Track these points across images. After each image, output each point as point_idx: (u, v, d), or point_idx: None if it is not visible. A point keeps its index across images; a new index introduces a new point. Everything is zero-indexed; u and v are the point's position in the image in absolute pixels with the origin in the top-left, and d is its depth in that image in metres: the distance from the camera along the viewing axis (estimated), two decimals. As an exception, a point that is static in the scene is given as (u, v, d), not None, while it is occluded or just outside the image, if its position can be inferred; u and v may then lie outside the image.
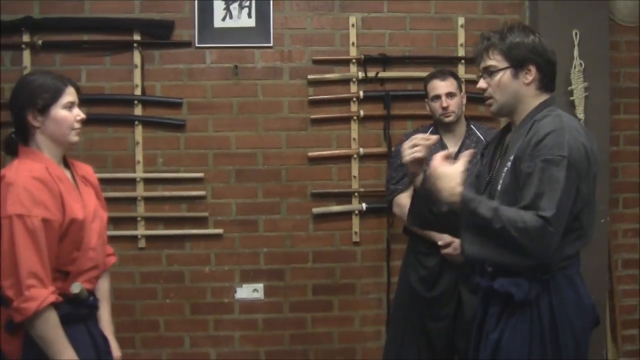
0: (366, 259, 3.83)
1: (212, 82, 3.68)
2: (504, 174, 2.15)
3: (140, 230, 3.68)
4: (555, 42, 3.64)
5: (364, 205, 3.76)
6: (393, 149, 3.52)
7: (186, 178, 3.69)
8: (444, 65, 3.69)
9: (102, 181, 3.49)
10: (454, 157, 3.23)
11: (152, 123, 3.67)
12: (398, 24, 3.78)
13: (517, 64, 2.19)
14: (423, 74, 3.61)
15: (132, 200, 3.66)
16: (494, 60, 2.21)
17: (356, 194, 3.78)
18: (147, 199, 3.68)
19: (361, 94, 3.72)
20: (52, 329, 2.04)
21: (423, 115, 3.70)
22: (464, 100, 3.33)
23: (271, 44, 3.69)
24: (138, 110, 3.65)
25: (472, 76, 3.74)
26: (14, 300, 2.01)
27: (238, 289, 3.76)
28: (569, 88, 3.68)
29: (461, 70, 3.78)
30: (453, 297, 3.19)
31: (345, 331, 3.85)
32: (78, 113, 2.27)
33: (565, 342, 2.08)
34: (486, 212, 1.99)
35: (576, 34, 3.68)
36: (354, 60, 3.72)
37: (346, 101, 3.76)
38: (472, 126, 3.35)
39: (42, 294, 2.01)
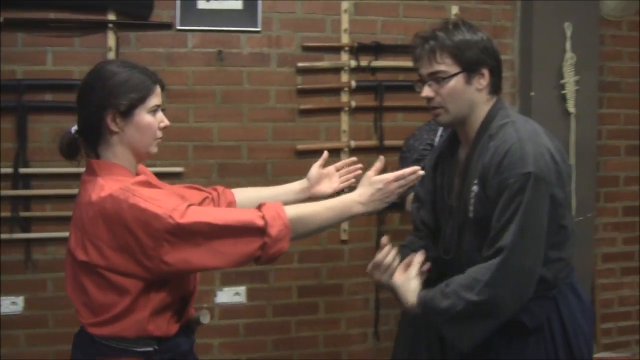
0: (354, 257, 3.78)
1: (193, 68, 3.50)
2: (472, 199, 2.02)
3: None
4: (548, 34, 3.77)
5: (353, 202, 3.69)
6: (406, 143, 3.47)
7: (164, 173, 3.44)
8: (437, 55, 3.69)
9: (69, 177, 3.35)
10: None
11: (126, 112, 3.45)
12: (391, 10, 3.72)
13: (470, 68, 2.02)
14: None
15: (104, 198, 3.43)
16: (443, 64, 2.01)
17: (346, 189, 3.70)
18: (120, 196, 3.45)
19: (353, 83, 3.64)
20: None
21: (416, 107, 3.70)
22: None
23: (259, 29, 3.54)
24: (110, 98, 3.41)
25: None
26: None
27: (218, 293, 3.63)
28: (561, 81, 3.78)
29: (453, 60, 3.78)
30: None
31: (330, 334, 3.79)
32: (162, 119, 1.97)
33: (580, 350, 2.08)
34: (444, 302, 1.92)
35: (568, 26, 3.78)
36: (346, 48, 3.64)
37: (336, 91, 3.68)
38: None
39: None
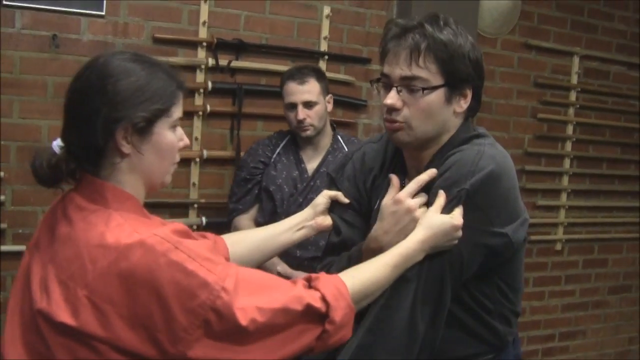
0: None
1: (22, 53, 3.05)
2: None
3: None
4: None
5: (203, 219, 3.40)
6: (241, 157, 3.22)
7: (-22, 177, 3.04)
8: (305, 59, 3.48)
9: None
10: (312, 176, 3.01)
11: None
12: (257, 6, 3.46)
13: (455, 84, 1.67)
14: (281, 67, 3.40)
15: None
16: (426, 70, 1.64)
17: (195, 205, 3.40)
18: None
19: (209, 84, 3.34)
20: None
21: (278, 116, 3.45)
22: (330, 106, 3.10)
23: (102, 13, 3.15)
24: None
25: (337, 76, 3.62)
26: None
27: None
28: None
29: (322, 67, 3.58)
30: None
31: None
32: (182, 136, 1.53)
33: None
34: None
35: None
36: (203, 44, 3.33)
37: (190, 92, 3.34)
38: (338, 137, 3.15)
39: None
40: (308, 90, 2.94)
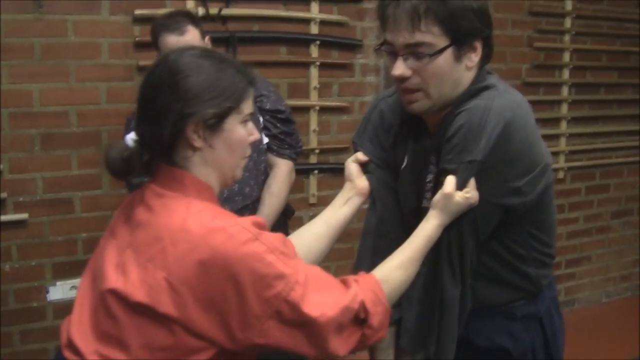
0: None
1: (4, 16, 2.93)
2: (427, 185, 1.73)
3: None
4: None
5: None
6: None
7: (-28, 148, 2.96)
8: (297, 2, 3.41)
9: None
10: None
11: None
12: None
13: (462, 40, 1.59)
14: (274, 12, 3.36)
15: None
16: (429, 34, 1.55)
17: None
18: None
19: (200, 35, 3.25)
20: None
21: (274, 63, 3.42)
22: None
23: (85, -33, 3.05)
24: None
25: (331, 17, 3.57)
26: None
27: (51, 289, 3.18)
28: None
29: (314, 9, 3.51)
30: None
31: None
32: (252, 131, 1.56)
33: None
34: None
35: None
36: (191, -8, 3.23)
37: (182, 44, 3.27)
38: None
39: None
40: (190, 40, 2.59)
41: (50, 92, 3.07)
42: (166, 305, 1.35)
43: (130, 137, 1.57)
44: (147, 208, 1.48)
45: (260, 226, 1.44)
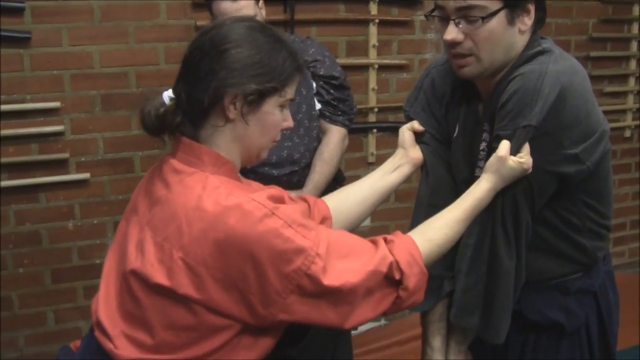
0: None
1: (64, -22, 2.96)
2: (481, 153, 1.72)
3: (-24, 182, 2.99)
4: None
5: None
6: None
7: (35, 109, 3.01)
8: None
9: None
10: None
11: (-19, 36, 2.90)
12: None
13: (514, 3, 1.56)
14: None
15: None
16: None
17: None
18: (-18, 140, 2.97)
19: (259, -6, 3.22)
20: None
21: (332, 20, 3.37)
22: (264, 12, 2.72)
23: None
24: (-41, 18, 2.85)
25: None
26: None
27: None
28: None
29: (373, -35, 3.44)
30: None
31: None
32: (288, 117, 1.54)
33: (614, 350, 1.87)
34: None
35: None
36: (246, -49, 3.19)
37: (239, 3, 3.24)
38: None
39: None
40: (244, 5, 2.54)
41: (109, 54, 3.09)
42: (186, 286, 1.35)
43: (168, 95, 1.54)
44: (164, 184, 1.47)
45: (276, 199, 1.42)
